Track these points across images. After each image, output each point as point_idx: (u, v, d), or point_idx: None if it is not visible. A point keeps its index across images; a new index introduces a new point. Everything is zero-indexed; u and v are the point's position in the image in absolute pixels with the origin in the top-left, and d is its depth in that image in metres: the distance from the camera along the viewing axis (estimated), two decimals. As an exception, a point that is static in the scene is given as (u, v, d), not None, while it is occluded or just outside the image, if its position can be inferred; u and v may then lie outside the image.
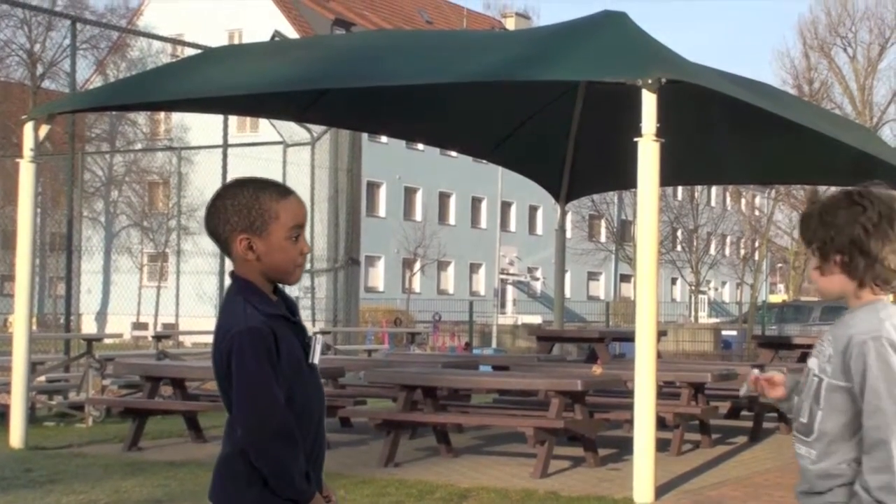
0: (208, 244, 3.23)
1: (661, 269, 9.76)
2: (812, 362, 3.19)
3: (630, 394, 9.33)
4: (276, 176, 19.39)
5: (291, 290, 3.32)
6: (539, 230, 60.14)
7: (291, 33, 40.30)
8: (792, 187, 46.12)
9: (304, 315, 19.05)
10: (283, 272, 3.15)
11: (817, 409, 3.11)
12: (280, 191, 3.16)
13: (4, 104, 40.35)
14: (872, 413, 2.97)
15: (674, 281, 63.14)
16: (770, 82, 17.77)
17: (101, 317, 39.01)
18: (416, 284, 50.91)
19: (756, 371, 3.41)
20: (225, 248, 3.16)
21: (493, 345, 35.46)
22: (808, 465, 3.14)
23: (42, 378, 14.12)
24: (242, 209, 3.10)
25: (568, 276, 40.33)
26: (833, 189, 3.12)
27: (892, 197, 3.13)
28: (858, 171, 13.93)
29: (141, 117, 45.05)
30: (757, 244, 49.93)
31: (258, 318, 3.04)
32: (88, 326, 34.67)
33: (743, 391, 3.60)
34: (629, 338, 11.52)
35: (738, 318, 40.62)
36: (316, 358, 3.15)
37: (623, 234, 55.66)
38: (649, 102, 8.62)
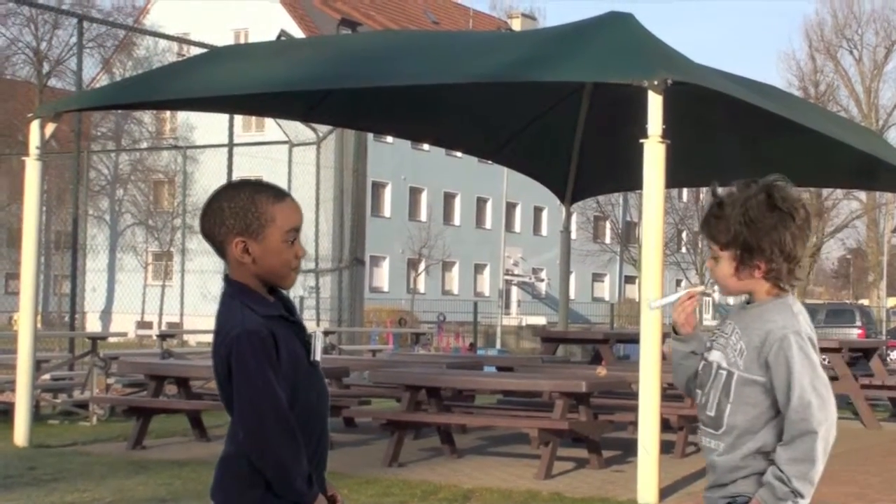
0: (202, 237, 3.22)
1: (666, 271, 9.76)
2: (716, 355, 3.19)
3: (634, 395, 9.32)
4: (282, 175, 19.42)
5: (296, 290, 3.32)
6: (544, 231, 60.10)
7: (297, 33, 40.32)
8: (797, 189, 46.15)
9: (309, 315, 19.10)
10: (278, 275, 3.14)
11: (726, 402, 3.13)
12: (276, 194, 3.14)
13: (11, 102, 40.43)
14: (798, 406, 3.01)
15: (678, 282, 63.14)
16: (776, 84, 17.75)
17: (106, 315, 39.03)
18: (421, 285, 50.91)
19: (699, 289, 3.38)
20: (220, 251, 3.14)
21: (498, 345, 35.49)
22: (715, 458, 3.16)
23: (47, 376, 14.13)
24: (239, 212, 3.08)
25: (573, 278, 40.38)
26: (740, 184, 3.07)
27: (804, 200, 3.17)
28: (864, 173, 13.94)
29: (147, 116, 45.13)
30: (762, 246, 49.81)
31: (256, 321, 3.02)
32: (93, 325, 34.73)
33: (656, 304, 3.66)
34: (634, 339, 11.51)
35: (742, 320, 40.53)
36: (317, 355, 3.14)
37: (628, 235, 55.65)
38: (655, 104, 8.61)
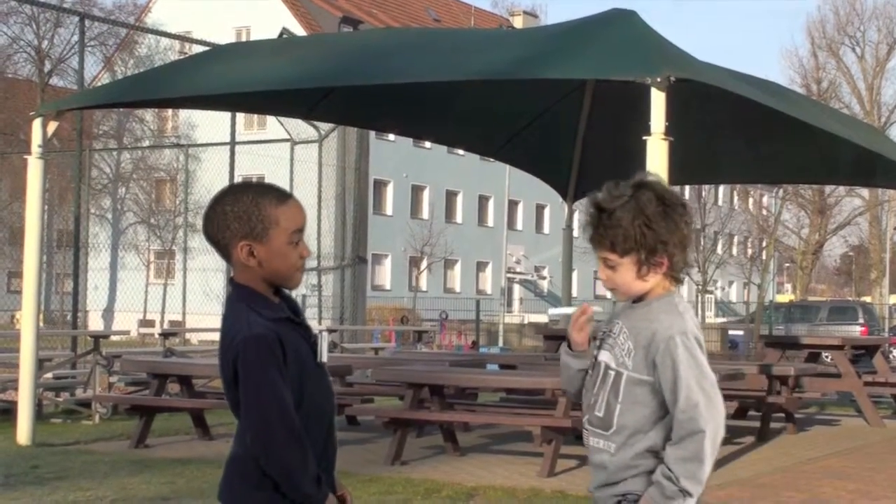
0: (205, 239, 3.22)
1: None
2: (605, 356, 3.18)
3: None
4: (284, 173, 19.42)
5: (298, 289, 3.31)
6: (546, 229, 60.07)
7: (299, 31, 40.30)
8: (800, 187, 46.10)
9: (311, 313, 19.08)
10: (283, 277, 3.13)
11: (616, 402, 3.12)
12: (279, 196, 3.14)
13: (12, 101, 40.43)
14: (686, 406, 3.01)
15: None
16: (778, 81, 17.71)
17: (108, 314, 39.06)
18: (423, 283, 50.91)
19: (594, 310, 3.38)
20: (224, 254, 3.14)
21: (500, 343, 35.48)
22: (606, 458, 3.15)
23: (49, 375, 14.13)
24: (242, 215, 3.08)
25: (575, 275, 40.34)
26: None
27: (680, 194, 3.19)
28: (867, 170, 13.92)
29: (148, 114, 45.13)
30: (764, 244, 49.84)
31: (262, 324, 3.02)
32: (95, 323, 34.72)
33: (554, 314, 3.65)
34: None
35: (745, 317, 40.54)
36: (324, 356, 3.14)
37: (630, 233, 55.51)
38: (658, 101, 8.59)
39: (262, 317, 3.04)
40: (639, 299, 3.18)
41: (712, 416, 3.02)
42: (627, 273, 3.14)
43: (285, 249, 3.10)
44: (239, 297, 3.10)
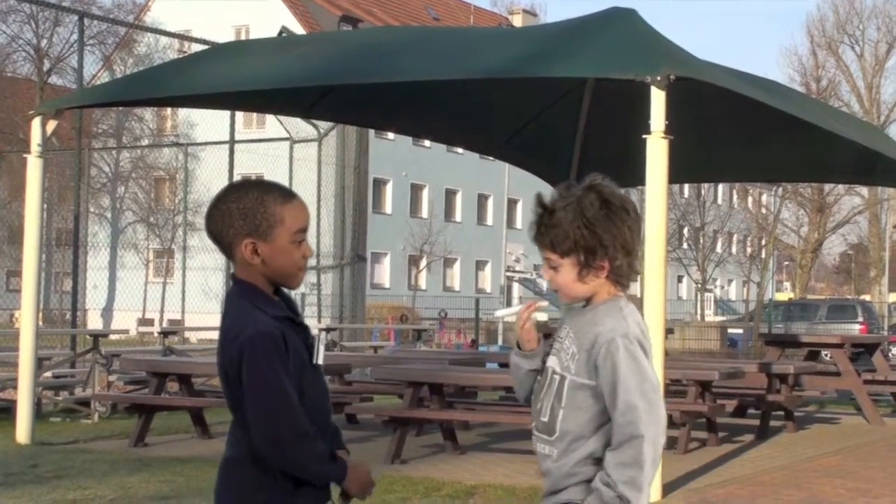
0: (207, 237, 3.21)
1: (668, 267, 9.72)
2: (552, 361, 3.13)
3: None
4: (283, 172, 19.42)
5: (297, 287, 3.31)
6: (545, 227, 59.93)
7: (298, 30, 40.29)
8: (799, 185, 46.08)
9: (311, 311, 19.10)
10: (286, 276, 3.13)
11: (559, 407, 3.07)
12: (284, 194, 3.14)
13: (11, 99, 40.43)
14: (625, 410, 2.95)
15: (680, 279, 63.08)
16: (777, 80, 17.70)
17: (108, 313, 39.06)
18: (422, 281, 50.90)
19: (543, 303, 3.34)
20: (227, 252, 3.13)
21: (500, 342, 35.44)
22: (550, 464, 3.10)
23: (48, 374, 14.13)
24: (247, 213, 3.07)
25: (574, 274, 40.28)
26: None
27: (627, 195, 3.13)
28: (866, 169, 13.91)
29: (148, 113, 45.12)
30: (763, 242, 49.83)
31: (267, 322, 3.01)
32: (94, 322, 34.75)
33: (502, 313, 3.64)
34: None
35: (744, 316, 40.54)
36: (320, 358, 3.13)
37: (629, 231, 55.49)
38: (658, 99, 8.58)
39: (267, 314, 3.03)
40: (587, 303, 3.14)
41: (652, 420, 2.96)
42: (568, 274, 3.09)
43: (289, 248, 3.10)
44: (241, 294, 3.09)
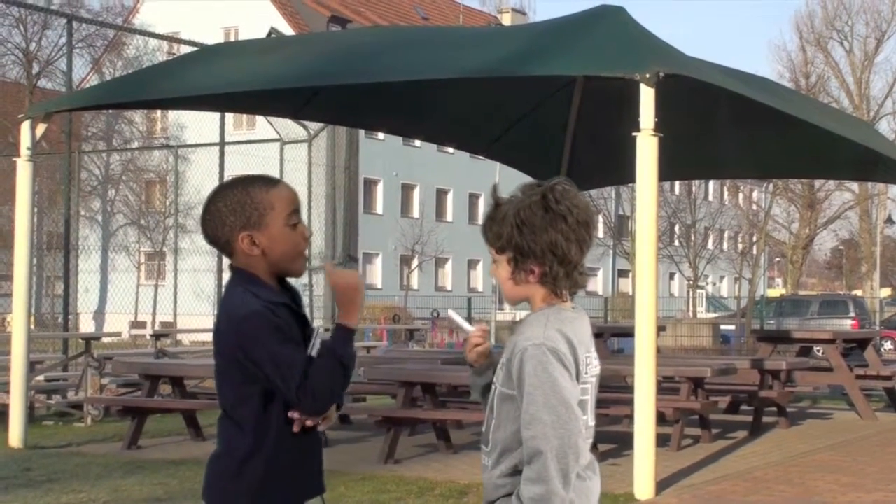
0: (206, 242, 3.22)
1: (659, 264, 9.76)
2: (497, 372, 3.06)
3: (630, 389, 9.30)
4: (273, 173, 19.20)
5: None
6: (537, 226, 59.97)
7: (288, 31, 40.27)
8: (790, 182, 46.15)
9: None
10: (288, 260, 3.13)
11: (492, 418, 3.00)
12: (268, 181, 3.16)
13: (1, 103, 40.30)
14: (529, 422, 2.84)
15: (671, 276, 63.16)
16: (767, 76, 17.73)
17: (99, 316, 39.00)
18: (414, 281, 50.90)
19: (480, 326, 3.30)
20: (227, 251, 3.14)
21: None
22: (485, 475, 3.02)
23: (41, 377, 14.10)
24: (237, 207, 3.09)
25: (566, 272, 40.29)
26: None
27: (587, 202, 3.02)
28: (858, 165, 13.93)
29: (137, 116, 45.06)
30: (755, 238, 49.91)
31: (258, 303, 3.01)
32: (86, 325, 34.67)
33: (451, 317, 3.62)
34: (628, 333, 11.51)
35: (736, 312, 40.61)
36: (314, 351, 3.13)
37: (621, 229, 55.63)
38: (647, 97, 8.60)
39: (260, 298, 3.03)
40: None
41: (558, 435, 2.81)
42: (503, 272, 3.03)
43: (285, 232, 3.11)
44: (237, 282, 3.11)
